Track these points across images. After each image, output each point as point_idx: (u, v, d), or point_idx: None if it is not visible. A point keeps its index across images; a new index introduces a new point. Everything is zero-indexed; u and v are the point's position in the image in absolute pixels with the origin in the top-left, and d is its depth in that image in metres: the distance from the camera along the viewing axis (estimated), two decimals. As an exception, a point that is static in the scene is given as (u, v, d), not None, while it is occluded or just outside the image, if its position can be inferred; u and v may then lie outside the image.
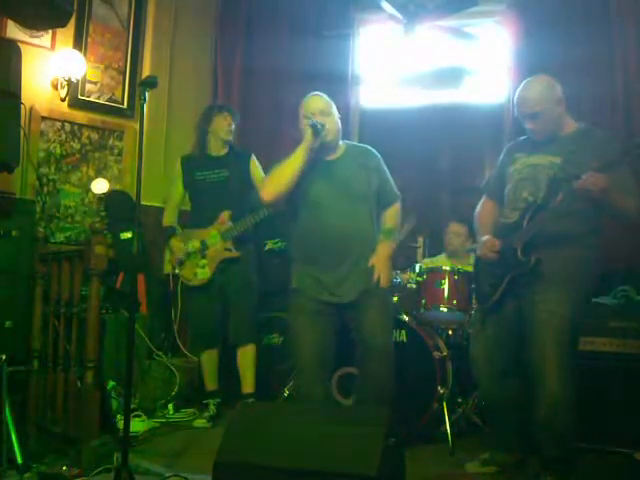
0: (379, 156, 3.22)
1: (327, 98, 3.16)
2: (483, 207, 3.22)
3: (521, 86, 2.98)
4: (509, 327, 2.93)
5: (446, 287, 3.73)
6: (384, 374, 3.04)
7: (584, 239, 2.82)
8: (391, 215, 3.22)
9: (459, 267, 3.88)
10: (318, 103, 3.11)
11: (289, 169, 2.99)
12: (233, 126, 4.00)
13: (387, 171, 3.21)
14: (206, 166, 4.00)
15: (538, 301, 2.79)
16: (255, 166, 4.05)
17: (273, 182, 3.05)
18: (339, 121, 3.15)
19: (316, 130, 2.97)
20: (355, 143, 3.18)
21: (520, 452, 3.04)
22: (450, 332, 3.98)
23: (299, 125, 3.11)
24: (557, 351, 2.72)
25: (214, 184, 3.98)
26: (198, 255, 3.93)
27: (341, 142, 3.20)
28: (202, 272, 3.92)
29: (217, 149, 4.04)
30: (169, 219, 4.07)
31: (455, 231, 4.35)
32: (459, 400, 3.69)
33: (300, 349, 3.06)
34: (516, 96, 2.99)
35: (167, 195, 4.22)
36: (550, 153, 2.89)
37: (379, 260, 3.08)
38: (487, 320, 3.00)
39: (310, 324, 3.04)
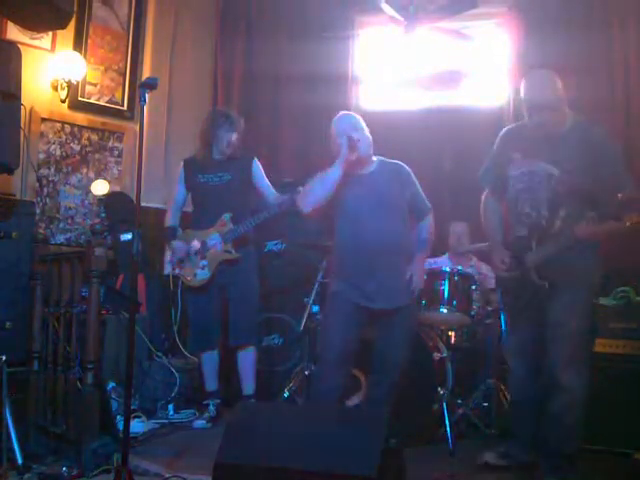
0: (410, 170, 3.31)
1: (355, 115, 3.32)
2: (487, 205, 3.23)
3: (528, 78, 3.01)
4: (537, 329, 2.97)
5: (446, 288, 3.74)
6: (396, 383, 3.18)
7: (589, 248, 2.88)
8: (425, 227, 3.32)
9: (459, 268, 3.89)
10: (349, 119, 3.26)
11: (327, 181, 3.11)
12: (235, 138, 3.99)
13: (418, 184, 3.30)
14: (209, 169, 3.99)
15: (555, 303, 2.87)
16: (257, 169, 4.05)
17: (312, 194, 3.16)
18: (369, 135, 3.24)
19: (352, 143, 3.09)
20: (387, 159, 3.31)
21: (533, 452, 3.04)
22: (450, 333, 3.98)
23: (331, 143, 3.22)
24: (574, 349, 2.81)
25: (216, 187, 3.97)
26: (199, 255, 3.93)
27: (374, 157, 3.28)
28: (202, 273, 3.92)
29: (219, 153, 4.03)
30: (171, 220, 4.06)
31: (458, 229, 4.39)
32: (459, 401, 3.69)
33: (328, 345, 3.16)
34: (524, 87, 2.99)
35: (169, 196, 4.22)
36: (546, 159, 2.92)
37: (417, 272, 3.19)
38: (519, 319, 3.08)
39: (342, 325, 3.12)
